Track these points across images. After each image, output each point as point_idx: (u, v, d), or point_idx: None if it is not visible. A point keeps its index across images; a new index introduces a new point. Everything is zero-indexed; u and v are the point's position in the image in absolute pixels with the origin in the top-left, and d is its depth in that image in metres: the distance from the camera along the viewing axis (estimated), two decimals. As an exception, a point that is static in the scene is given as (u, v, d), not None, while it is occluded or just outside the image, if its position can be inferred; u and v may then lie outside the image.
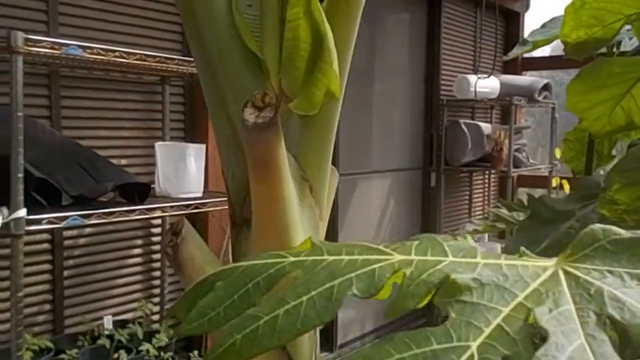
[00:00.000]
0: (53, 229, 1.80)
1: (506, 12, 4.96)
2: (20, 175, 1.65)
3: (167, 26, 2.68)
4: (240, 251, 0.81)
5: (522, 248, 0.34)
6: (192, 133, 2.81)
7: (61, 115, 2.34)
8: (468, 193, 4.94)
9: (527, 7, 5.17)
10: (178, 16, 2.67)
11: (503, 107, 4.88)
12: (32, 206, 1.70)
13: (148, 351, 2.08)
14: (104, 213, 1.83)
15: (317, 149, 0.81)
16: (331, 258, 0.33)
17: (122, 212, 1.89)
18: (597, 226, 0.31)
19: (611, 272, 0.29)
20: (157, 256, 2.70)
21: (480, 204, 5.09)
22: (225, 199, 0.81)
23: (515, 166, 4.40)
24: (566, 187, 4.76)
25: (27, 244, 2.20)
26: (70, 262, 2.39)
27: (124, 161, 2.54)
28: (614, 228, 0.31)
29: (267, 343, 0.30)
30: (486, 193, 5.13)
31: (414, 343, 0.28)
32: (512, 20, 5.04)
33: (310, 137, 0.79)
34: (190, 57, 2.52)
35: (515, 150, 4.44)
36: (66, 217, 1.74)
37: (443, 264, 0.31)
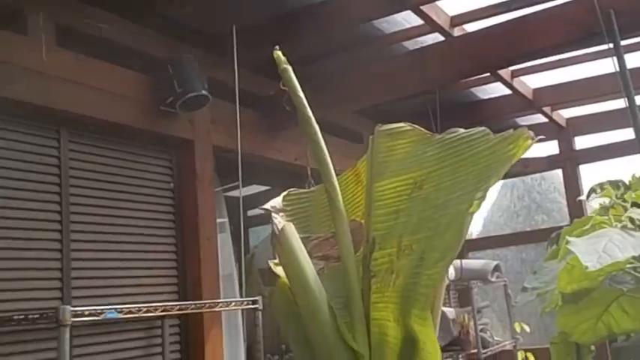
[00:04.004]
0: None
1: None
2: None
3: (165, 272, 2.92)
4: None
5: None
6: (188, 360, 2.93)
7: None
8: (441, 377, 5.05)
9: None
10: (174, 261, 2.94)
11: (460, 290, 5.21)
12: None
13: None
14: None
15: None
16: None
17: None
18: None
19: None
20: None
21: (454, 386, 5.18)
22: None
23: (483, 347, 4.61)
24: (531, 359, 4.99)
25: None
26: None
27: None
28: None
29: None
30: (458, 374, 5.26)
31: None
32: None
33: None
34: (187, 301, 2.75)
35: (480, 330, 4.69)
36: None
37: None
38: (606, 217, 1.40)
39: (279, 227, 1.09)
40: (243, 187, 3.18)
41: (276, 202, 1.30)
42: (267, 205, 1.27)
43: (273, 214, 1.25)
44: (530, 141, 0.95)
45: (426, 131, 1.17)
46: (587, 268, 1.05)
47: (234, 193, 3.62)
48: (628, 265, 1.26)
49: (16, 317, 1.99)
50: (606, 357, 3.01)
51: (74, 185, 2.63)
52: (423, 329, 0.95)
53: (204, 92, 2.78)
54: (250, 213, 5.49)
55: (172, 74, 2.75)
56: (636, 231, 1.26)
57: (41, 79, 2.44)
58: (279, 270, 1.18)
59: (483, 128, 1.06)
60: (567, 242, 1.15)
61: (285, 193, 1.34)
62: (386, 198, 1.15)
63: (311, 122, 1.14)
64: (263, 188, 5.20)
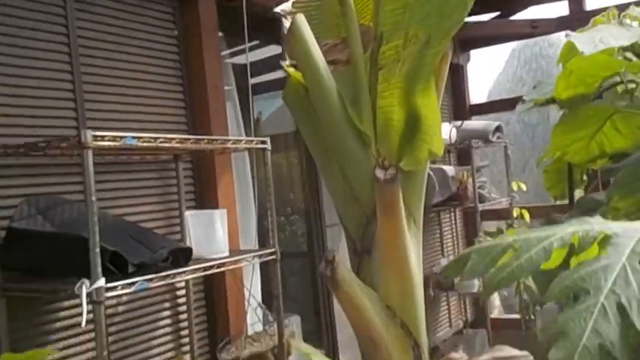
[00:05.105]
0: (126, 293, 2.03)
1: (450, 65, 5.50)
2: (97, 250, 1.90)
3: (174, 110, 3.01)
4: (365, 272, 1.12)
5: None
6: (202, 200, 3.10)
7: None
8: (438, 230, 5.34)
9: (468, 59, 5.75)
10: (182, 100, 3.01)
11: (460, 150, 5.35)
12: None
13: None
14: (164, 276, 2.09)
15: (416, 192, 1.14)
16: (533, 235, 0.66)
17: (177, 274, 2.15)
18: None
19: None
20: (185, 316, 2.93)
21: (450, 239, 5.49)
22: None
23: (480, 202, 4.83)
24: (526, 216, 5.23)
25: (73, 316, 2.43)
26: (112, 328, 2.59)
27: (148, 233, 2.79)
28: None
29: (520, 274, 0.62)
30: (454, 229, 5.55)
31: (593, 262, 0.60)
32: (456, 73, 5.60)
33: (411, 184, 1.12)
34: (197, 135, 2.84)
35: (478, 187, 4.89)
36: (134, 283, 1.99)
37: (598, 229, 0.64)
38: (605, 18, 1.45)
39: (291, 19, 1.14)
40: (249, 51, 3.19)
41: (286, 5, 1.35)
42: (278, 9, 1.32)
43: (282, 18, 1.30)
44: None
45: None
46: (582, 53, 1.12)
47: (240, 60, 3.62)
48: (622, 70, 1.32)
49: (40, 144, 2.09)
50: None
51: (81, 27, 2.64)
52: (426, 101, 1.03)
53: None
54: (256, 80, 5.51)
55: None
56: (633, 27, 1.31)
57: None
58: (291, 70, 1.26)
59: None
60: (567, 35, 1.21)
61: (294, -2, 1.38)
62: (394, -5, 1.20)
63: None
64: (270, 53, 5.18)
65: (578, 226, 0.66)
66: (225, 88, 3.47)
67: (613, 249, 0.61)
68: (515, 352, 1.53)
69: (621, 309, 0.56)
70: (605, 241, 0.63)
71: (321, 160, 1.20)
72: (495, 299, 5.93)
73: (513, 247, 0.65)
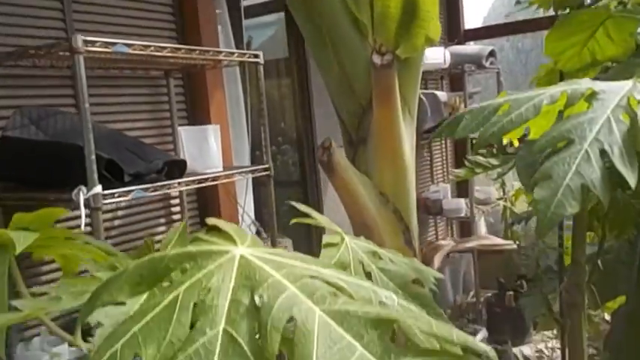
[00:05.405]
0: (122, 201, 2.07)
1: (446, -11, 5.41)
2: (93, 157, 1.92)
3: (163, 24, 2.97)
4: (360, 161, 1.15)
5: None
6: (194, 117, 3.11)
7: (87, 111, 2.58)
8: (429, 156, 5.39)
9: (463, -17, 5.64)
10: (172, 14, 2.96)
11: (453, 76, 5.33)
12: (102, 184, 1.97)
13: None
14: (160, 185, 2.12)
15: (411, 81, 1.16)
16: (523, 95, 0.68)
17: (173, 185, 2.19)
18: None
19: None
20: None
21: (440, 166, 5.56)
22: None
23: (471, 127, 4.86)
24: (515, 142, 5.28)
25: (70, 228, 2.48)
26: (108, 241, 2.65)
27: (141, 149, 2.81)
28: None
29: (511, 128, 0.65)
30: (445, 156, 5.61)
31: (579, 115, 0.63)
32: (452, -4, 5.50)
33: (407, 73, 1.14)
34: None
35: (470, 112, 4.91)
36: (131, 191, 2.03)
37: (586, 86, 0.67)
38: None
39: None
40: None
41: None
42: None
43: None
44: None
45: None
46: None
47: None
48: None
49: (30, 51, 2.07)
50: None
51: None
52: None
53: None
54: (248, 2, 5.39)
55: None
56: None
57: None
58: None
59: None
60: None
61: None
62: None
63: None
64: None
65: (567, 85, 0.69)
66: (216, 11, 3.41)
67: (599, 103, 0.64)
68: (499, 240, 1.60)
69: (604, 154, 0.60)
70: (592, 96, 0.65)
71: (317, 51, 1.21)
72: (482, 226, 6.06)
73: (505, 106, 0.68)
